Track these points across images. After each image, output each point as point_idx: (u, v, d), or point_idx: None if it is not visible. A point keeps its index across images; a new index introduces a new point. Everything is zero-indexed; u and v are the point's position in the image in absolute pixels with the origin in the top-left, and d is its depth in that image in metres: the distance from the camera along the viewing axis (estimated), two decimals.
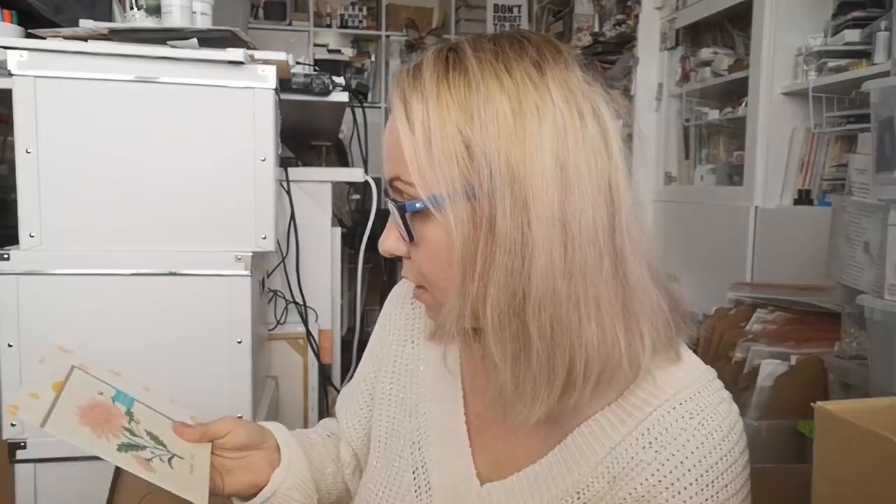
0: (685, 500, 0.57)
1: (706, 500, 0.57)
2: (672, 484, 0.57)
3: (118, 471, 1.05)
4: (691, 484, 0.57)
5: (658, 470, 0.57)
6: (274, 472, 0.70)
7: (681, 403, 0.59)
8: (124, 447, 0.61)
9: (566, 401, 0.56)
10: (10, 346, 1.11)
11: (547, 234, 0.52)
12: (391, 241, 0.61)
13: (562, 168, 0.52)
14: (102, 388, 0.66)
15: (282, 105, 1.35)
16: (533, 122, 0.53)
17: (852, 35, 2.01)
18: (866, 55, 1.96)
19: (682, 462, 0.57)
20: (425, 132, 0.54)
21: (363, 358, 0.79)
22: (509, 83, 0.53)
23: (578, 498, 0.60)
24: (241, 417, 0.73)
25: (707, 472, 0.57)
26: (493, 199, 0.52)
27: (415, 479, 0.68)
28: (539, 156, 0.52)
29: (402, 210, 0.57)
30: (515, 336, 0.54)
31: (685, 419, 0.58)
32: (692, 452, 0.57)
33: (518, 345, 0.54)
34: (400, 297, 0.78)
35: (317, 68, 1.58)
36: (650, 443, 0.58)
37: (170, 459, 0.63)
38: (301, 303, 1.54)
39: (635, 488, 0.58)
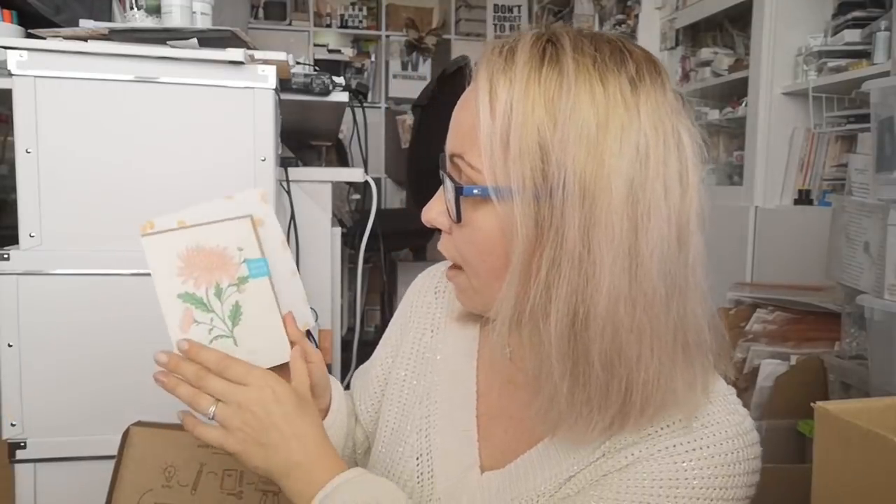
0: (661, 472, 0.56)
1: (683, 479, 0.55)
2: (657, 460, 0.56)
3: (118, 470, 1.05)
4: (676, 464, 0.55)
5: (647, 448, 0.57)
6: None
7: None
8: (187, 297, 0.61)
9: (616, 429, 0.56)
10: (10, 346, 1.11)
11: (613, 258, 0.50)
12: (435, 214, 0.60)
13: (634, 194, 0.51)
14: (250, 249, 0.63)
15: (282, 105, 1.35)
16: (615, 141, 0.51)
17: (852, 35, 2.01)
18: (866, 55, 1.96)
19: (674, 446, 0.56)
20: (504, 122, 0.52)
21: (381, 342, 0.79)
22: (601, 95, 0.51)
23: (570, 478, 0.60)
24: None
25: (696, 460, 0.55)
26: (563, 208, 0.51)
27: (418, 465, 0.68)
28: (615, 177, 0.50)
29: (458, 191, 0.55)
30: (576, 357, 0.53)
31: (690, 419, 0.58)
32: (688, 442, 0.56)
33: (578, 366, 0.53)
34: (423, 286, 0.78)
35: (317, 68, 1.58)
36: (649, 434, 0.58)
37: (216, 337, 0.62)
38: None
39: (619, 460, 0.58)
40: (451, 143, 0.58)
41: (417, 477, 0.68)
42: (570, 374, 0.53)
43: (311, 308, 1.60)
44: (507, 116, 0.52)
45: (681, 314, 0.54)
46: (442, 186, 0.60)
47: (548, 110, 0.51)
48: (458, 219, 0.56)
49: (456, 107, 0.60)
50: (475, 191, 0.54)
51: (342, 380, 1.72)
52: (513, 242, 0.53)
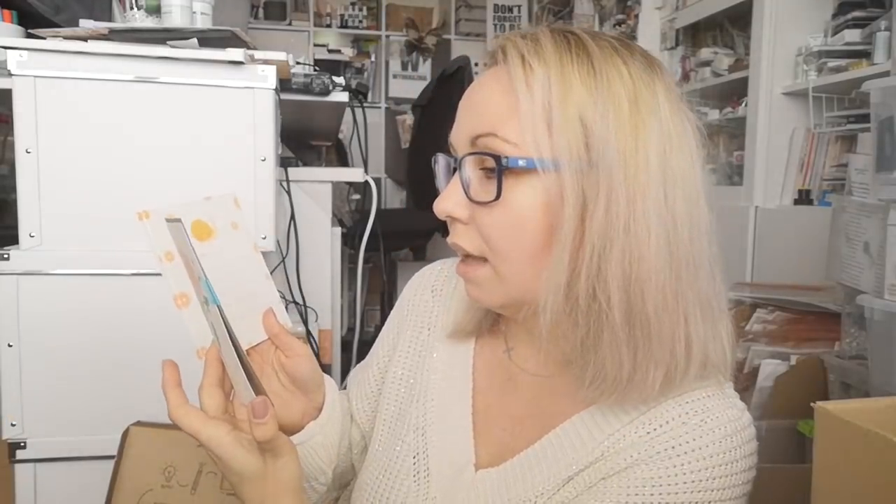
0: (660, 475, 0.56)
1: (682, 482, 0.55)
2: (656, 463, 0.56)
3: (118, 470, 1.05)
4: (675, 466, 0.56)
5: (646, 450, 0.57)
6: (311, 422, 0.69)
7: (688, 402, 0.59)
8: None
9: (665, 388, 0.57)
10: (10, 346, 1.11)
11: (657, 223, 0.54)
12: (452, 204, 0.59)
13: (664, 170, 0.54)
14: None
15: (282, 105, 1.35)
16: (646, 118, 0.54)
17: (852, 35, 2.01)
18: (866, 55, 1.96)
19: (673, 447, 0.56)
20: (545, 98, 0.54)
21: (377, 341, 0.79)
22: (627, 76, 0.55)
23: (569, 479, 0.60)
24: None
25: (695, 461, 0.56)
26: (609, 178, 0.53)
27: (415, 464, 0.68)
28: (649, 150, 0.54)
29: (499, 164, 0.55)
30: (633, 316, 0.55)
31: (689, 415, 0.58)
32: (686, 442, 0.56)
33: (636, 326, 0.55)
34: (419, 284, 0.78)
35: (317, 68, 1.58)
36: (648, 432, 0.58)
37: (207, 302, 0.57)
38: (301, 303, 1.54)
39: (618, 462, 0.58)
40: (475, 125, 0.58)
41: (414, 476, 0.68)
42: (630, 333, 0.55)
43: (311, 308, 1.60)
44: (546, 92, 0.54)
45: (708, 279, 0.58)
46: (455, 177, 0.59)
47: (586, 87, 0.54)
48: (498, 195, 0.55)
49: (472, 91, 0.60)
50: (520, 161, 0.54)
51: (342, 380, 1.72)
52: (559, 213, 0.54)
